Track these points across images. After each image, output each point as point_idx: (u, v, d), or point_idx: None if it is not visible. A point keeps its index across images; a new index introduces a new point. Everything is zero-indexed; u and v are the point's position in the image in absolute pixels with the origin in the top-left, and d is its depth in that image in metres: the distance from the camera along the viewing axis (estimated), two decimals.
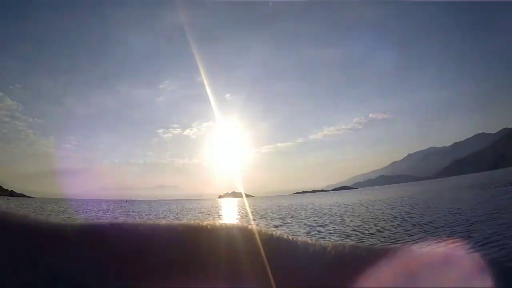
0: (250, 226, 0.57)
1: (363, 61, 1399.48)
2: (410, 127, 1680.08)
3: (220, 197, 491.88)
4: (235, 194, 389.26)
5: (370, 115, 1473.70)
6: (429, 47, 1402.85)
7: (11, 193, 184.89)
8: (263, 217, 20.32)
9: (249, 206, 45.44)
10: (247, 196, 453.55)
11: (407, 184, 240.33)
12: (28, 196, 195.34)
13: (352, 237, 9.43)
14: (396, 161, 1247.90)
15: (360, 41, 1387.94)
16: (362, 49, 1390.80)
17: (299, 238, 0.50)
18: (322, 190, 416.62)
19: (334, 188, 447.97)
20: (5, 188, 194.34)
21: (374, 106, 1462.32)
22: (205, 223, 0.54)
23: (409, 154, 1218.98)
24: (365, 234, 9.76)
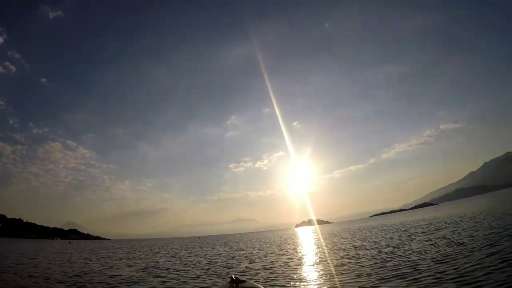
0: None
1: (427, 72, 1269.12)
2: (484, 134, 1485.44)
3: (297, 226, 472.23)
4: (311, 222, 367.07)
5: (442, 126, 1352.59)
6: (494, 48, 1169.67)
7: (87, 236, 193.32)
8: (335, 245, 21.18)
9: (324, 233, 48.81)
10: (325, 222, 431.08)
11: (481, 196, 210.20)
12: (104, 238, 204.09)
13: None
14: (472, 172, 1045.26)
15: (423, 53, 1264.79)
16: (425, 61, 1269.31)
17: None
18: (401, 210, 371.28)
19: (412, 207, 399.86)
20: (81, 232, 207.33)
21: (445, 117, 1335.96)
22: None
23: (485, 163, 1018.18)
24: None
